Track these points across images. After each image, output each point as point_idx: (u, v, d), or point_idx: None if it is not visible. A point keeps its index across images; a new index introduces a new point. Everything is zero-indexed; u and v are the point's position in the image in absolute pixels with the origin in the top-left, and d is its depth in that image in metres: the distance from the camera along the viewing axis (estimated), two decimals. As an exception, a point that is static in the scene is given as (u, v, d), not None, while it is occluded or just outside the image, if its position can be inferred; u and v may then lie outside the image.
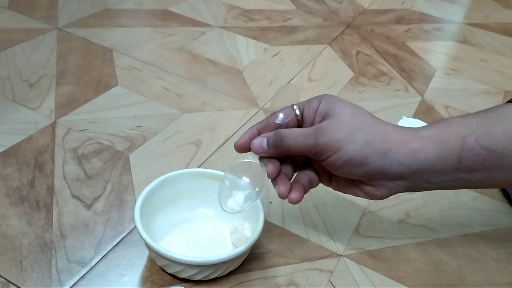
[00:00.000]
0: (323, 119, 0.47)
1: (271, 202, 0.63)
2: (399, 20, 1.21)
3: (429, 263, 0.58)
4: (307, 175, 0.51)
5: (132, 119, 0.75)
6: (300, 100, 0.51)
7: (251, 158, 0.50)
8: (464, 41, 1.15)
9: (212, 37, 1.01)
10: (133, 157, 0.67)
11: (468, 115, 0.45)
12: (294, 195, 0.48)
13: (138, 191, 0.62)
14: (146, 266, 0.53)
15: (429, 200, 0.67)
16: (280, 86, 0.87)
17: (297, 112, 0.49)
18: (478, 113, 0.45)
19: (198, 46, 0.97)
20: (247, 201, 0.50)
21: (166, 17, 1.08)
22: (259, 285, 0.53)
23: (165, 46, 0.96)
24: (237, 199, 0.50)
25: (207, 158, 0.69)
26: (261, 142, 0.47)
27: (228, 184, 0.51)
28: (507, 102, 0.49)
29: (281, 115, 0.49)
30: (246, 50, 0.98)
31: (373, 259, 0.58)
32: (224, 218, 0.57)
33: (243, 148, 0.50)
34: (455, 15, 1.29)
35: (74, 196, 0.60)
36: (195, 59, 0.93)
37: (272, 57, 0.97)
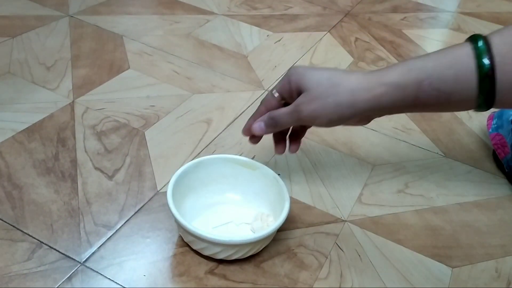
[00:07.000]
0: (298, 94, 0.55)
1: (279, 174, 0.68)
2: (395, 9, 1.26)
3: (426, 228, 0.63)
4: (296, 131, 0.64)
5: (146, 99, 0.79)
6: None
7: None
8: (457, 29, 1.19)
9: (217, 25, 1.05)
10: (149, 134, 0.72)
11: (428, 57, 0.50)
12: (292, 147, 0.63)
13: (155, 164, 0.66)
14: (167, 229, 0.58)
15: (425, 173, 0.72)
16: (283, 70, 0.93)
17: (276, 95, 0.58)
18: (438, 54, 0.50)
19: (204, 33, 1.01)
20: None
21: (172, 5, 1.12)
22: (272, 246, 0.57)
23: (173, 33, 1.00)
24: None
25: (218, 135, 0.73)
26: (259, 125, 0.59)
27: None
28: (469, 38, 0.50)
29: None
30: (250, 37, 1.02)
31: (375, 224, 0.62)
32: (251, 204, 0.61)
33: (249, 131, 0.61)
34: (449, 4, 1.33)
35: (96, 168, 0.64)
36: (202, 45, 0.97)
37: (275, 43, 1.02)
